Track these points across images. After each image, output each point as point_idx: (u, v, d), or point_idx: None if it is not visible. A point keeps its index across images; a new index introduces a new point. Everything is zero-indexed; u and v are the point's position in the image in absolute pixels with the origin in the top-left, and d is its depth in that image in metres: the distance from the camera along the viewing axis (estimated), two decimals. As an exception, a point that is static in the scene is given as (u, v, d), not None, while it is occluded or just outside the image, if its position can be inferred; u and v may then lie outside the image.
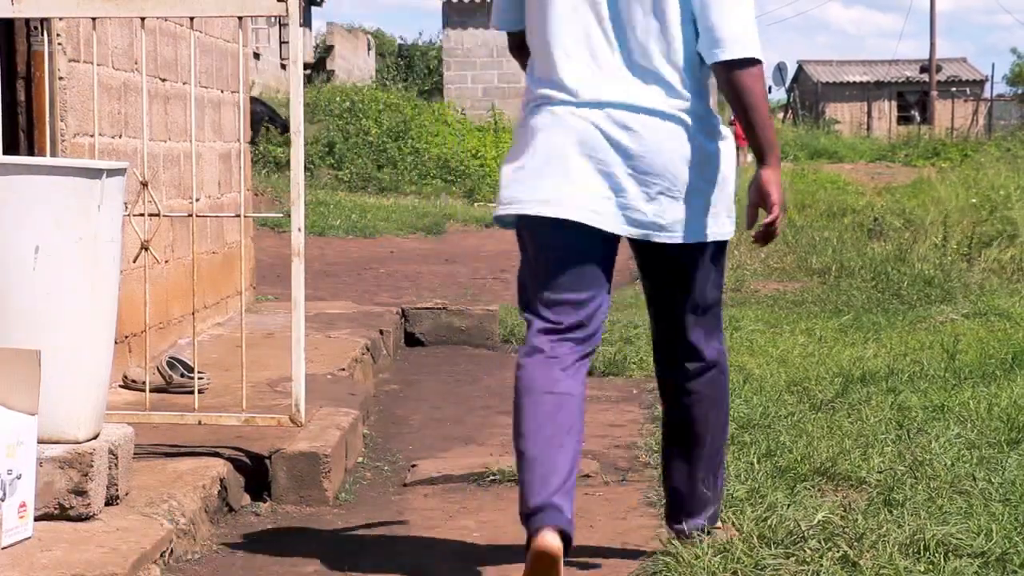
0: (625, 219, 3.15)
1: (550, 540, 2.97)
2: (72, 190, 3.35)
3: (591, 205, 3.13)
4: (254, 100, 21.61)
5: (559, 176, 3.13)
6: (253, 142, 20.41)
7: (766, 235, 3.20)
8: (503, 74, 30.23)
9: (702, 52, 3.14)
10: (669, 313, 3.33)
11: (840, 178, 22.16)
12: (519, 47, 3.39)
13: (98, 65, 4.34)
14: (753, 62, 3.10)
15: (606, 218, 3.14)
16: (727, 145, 3.24)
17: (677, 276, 3.27)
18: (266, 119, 20.77)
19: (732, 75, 3.10)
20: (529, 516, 3.03)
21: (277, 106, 21.96)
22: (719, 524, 3.42)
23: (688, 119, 3.16)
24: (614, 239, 3.20)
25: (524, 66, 3.38)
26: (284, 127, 21.19)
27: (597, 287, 3.20)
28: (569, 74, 3.17)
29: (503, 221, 3.29)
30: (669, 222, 3.15)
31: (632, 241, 3.23)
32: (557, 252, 3.18)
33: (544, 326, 3.18)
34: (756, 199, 3.19)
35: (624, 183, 3.13)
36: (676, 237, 3.17)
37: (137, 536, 3.23)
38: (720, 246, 3.27)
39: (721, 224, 3.22)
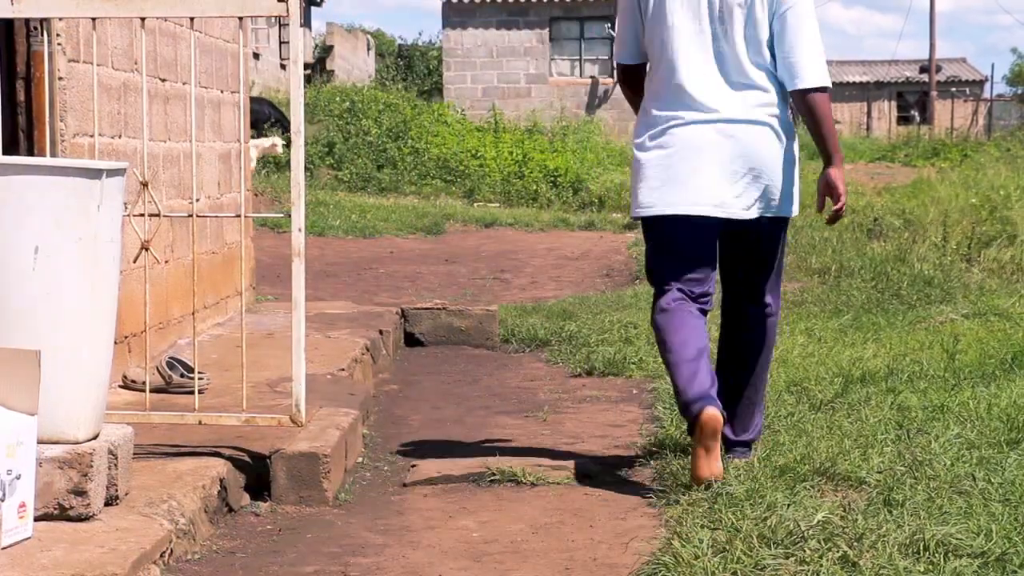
0: (743, 207, 4.18)
1: (713, 413, 3.96)
2: (72, 190, 3.35)
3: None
4: (263, 101, 21.60)
5: (688, 179, 4.15)
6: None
7: (835, 218, 4.30)
8: (502, 74, 30.23)
9: (783, 80, 4.18)
10: (742, 290, 4.37)
11: (840, 178, 22.11)
12: (627, 79, 4.44)
13: (98, 65, 4.34)
14: (823, 89, 4.16)
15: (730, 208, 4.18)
16: (797, 144, 4.30)
17: (758, 253, 4.31)
18: (272, 120, 20.78)
19: (806, 99, 4.16)
20: (689, 404, 4.02)
21: (281, 106, 21.96)
22: (752, 451, 4.27)
23: (779, 121, 4.21)
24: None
25: (628, 91, 4.45)
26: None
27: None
28: (686, 99, 4.16)
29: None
30: (764, 202, 4.20)
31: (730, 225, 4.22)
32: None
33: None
34: (825, 191, 4.26)
35: (735, 175, 4.15)
36: (772, 210, 4.20)
37: (137, 536, 3.24)
38: (787, 221, 4.34)
39: (794, 205, 4.29)
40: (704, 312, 4.24)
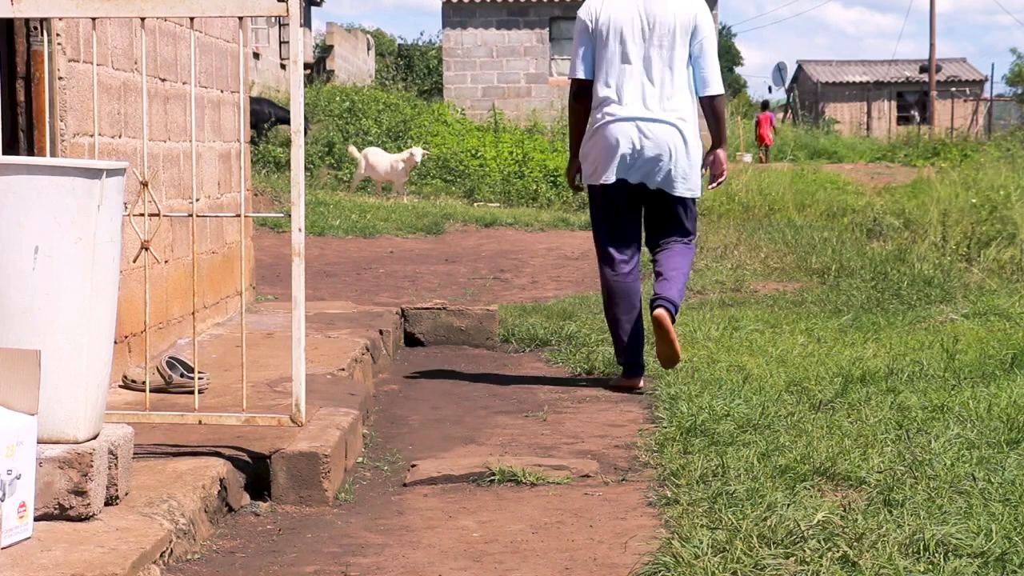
0: (651, 180, 5.86)
1: (660, 312, 5.67)
2: (71, 190, 3.35)
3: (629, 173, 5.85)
4: (262, 101, 21.59)
5: (615, 159, 5.83)
6: (254, 142, 20.43)
7: (717, 185, 6.13)
8: (502, 74, 30.24)
9: (696, 88, 5.87)
10: (662, 233, 5.98)
11: (840, 178, 22.16)
12: (581, 93, 5.94)
13: (98, 65, 4.34)
14: (721, 96, 5.96)
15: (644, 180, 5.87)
16: (700, 138, 5.89)
17: (672, 213, 5.95)
18: (274, 119, 20.78)
19: (713, 102, 5.94)
20: (629, 364, 5.94)
21: (282, 105, 21.94)
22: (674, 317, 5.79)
23: (691, 124, 5.84)
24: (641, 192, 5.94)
25: (577, 107, 5.96)
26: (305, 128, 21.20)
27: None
28: (617, 94, 5.82)
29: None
30: (673, 181, 5.86)
31: (648, 194, 5.91)
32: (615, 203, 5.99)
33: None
34: (711, 163, 6.05)
35: (652, 160, 5.80)
36: (680, 190, 5.88)
37: (137, 536, 3.24)
38: (694, 200, 6.00)
39: (699, 185, 5.95)
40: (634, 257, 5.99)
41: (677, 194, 5.85)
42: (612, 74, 5.81)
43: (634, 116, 5.78)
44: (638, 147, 5.77)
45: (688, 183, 5.85)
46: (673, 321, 5.70)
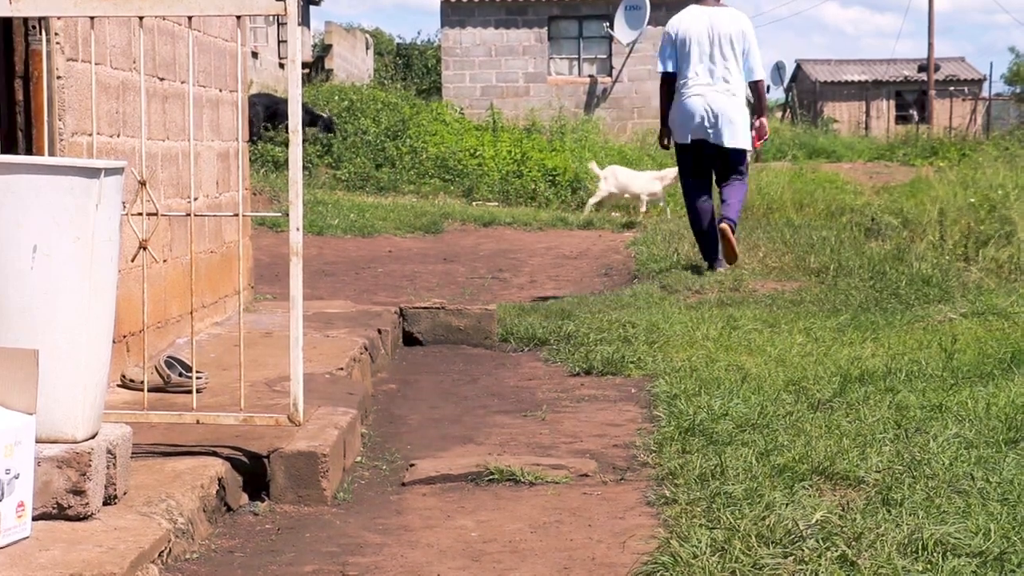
0: (716, 137, 9.40)
1: (723, 226, 9.33)
2: (70, 189, 3.35)
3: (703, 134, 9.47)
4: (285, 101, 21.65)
5: (692, 123, 9.40)
6: (252, 141, 20.42)
7: (762, 143, 10.19)
8: (501, 73, 30.22)
9: (745, 75, 9.44)
10: (725, 175, 9.50)
11: (838, 177, 22.15)
12: (667, 82, 9.49)
13: (96, 64, 4.34)
14: (763, 80, 9.63)
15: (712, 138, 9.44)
16: (748, 109, 9.49)
17: (730, 160, 9.46)
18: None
19: (756, 85, 9.62)
20: (713, 259, 9.63)
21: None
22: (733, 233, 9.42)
23: (740, 99, 9.33)
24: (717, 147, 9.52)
25: (664, 91, 9.58)
26: (327, 126, 21.27)
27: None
28: (693, 81, 9.34)
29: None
30: (731, 138, 9.39)
31: (715, 147, 9.44)
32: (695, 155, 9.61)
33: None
34: (758, 126, 9.65)
35: (716, 122, 9.31)
36: (733, 144, 9.40)
37: (135, 536, 3.24)
38: (745, 151, 9.55)
39: (748, 141, 9.48)
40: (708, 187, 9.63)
41: (732, 146, 9.24)
42: (690, 66, 9.25)
43: (704, 93, 9.19)
44: (707, 114, 9.21)
45: (741, 139, 9.29)
46: (733, 232, 9.23)
